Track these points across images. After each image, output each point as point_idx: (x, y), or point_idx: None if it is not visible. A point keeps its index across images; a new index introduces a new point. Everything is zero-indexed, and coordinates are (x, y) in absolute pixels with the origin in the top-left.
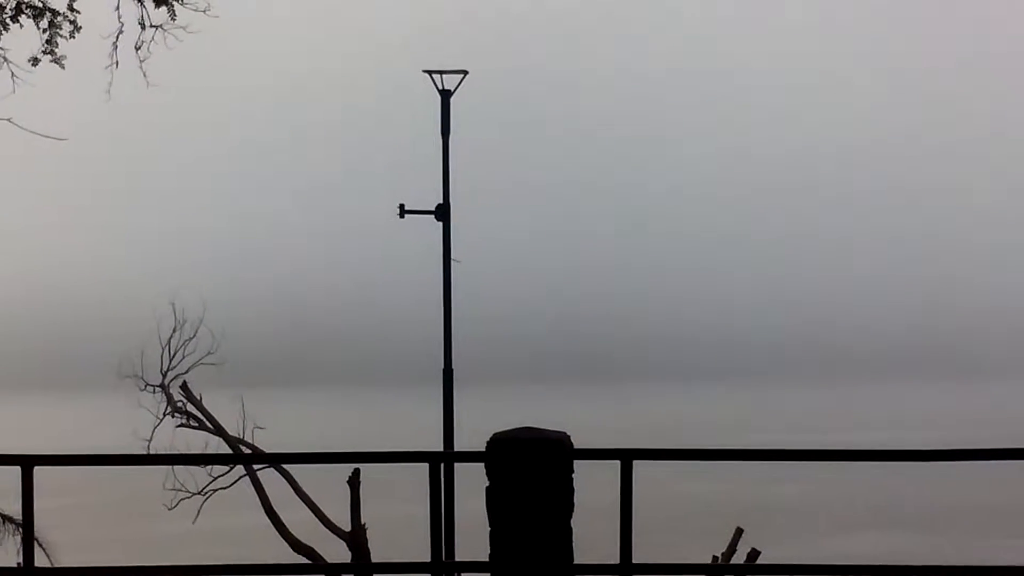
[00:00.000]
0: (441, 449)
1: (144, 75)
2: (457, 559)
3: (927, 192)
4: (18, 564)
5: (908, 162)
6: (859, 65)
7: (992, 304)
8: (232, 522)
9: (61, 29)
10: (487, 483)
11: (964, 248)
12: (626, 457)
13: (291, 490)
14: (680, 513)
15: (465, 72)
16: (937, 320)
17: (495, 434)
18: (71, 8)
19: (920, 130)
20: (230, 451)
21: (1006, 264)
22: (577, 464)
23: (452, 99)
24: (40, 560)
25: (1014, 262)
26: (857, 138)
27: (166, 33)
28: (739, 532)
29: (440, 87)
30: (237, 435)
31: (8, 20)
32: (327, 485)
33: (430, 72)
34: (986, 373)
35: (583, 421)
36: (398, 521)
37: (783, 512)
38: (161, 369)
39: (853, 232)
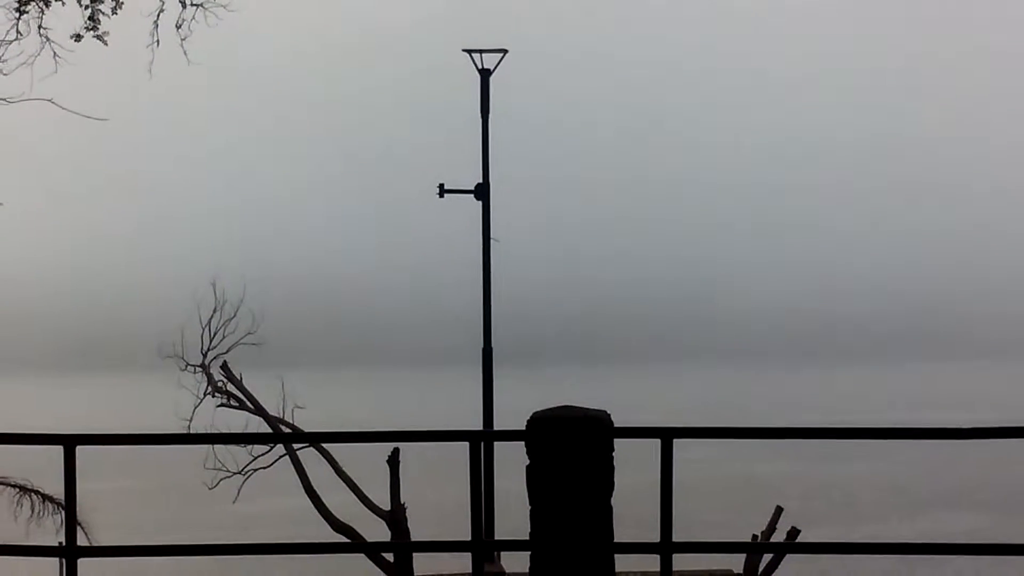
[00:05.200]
0: (481, 428)
1: (185, 53)
2: (497, 538)
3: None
4: (60, 543)
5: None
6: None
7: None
8: (273, 502)
9: (103, 4)
10: (527, 462)
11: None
12: (666, 436)
13: (331, 470)
14: (738, 492)
15: (505, 51)
16: (960, 304)
17: (535, 413)
18: None
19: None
20: (270, 431)
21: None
22: (619, 443)
23: (492, 78)
24: (80, 540)
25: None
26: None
27: (207, 12)
28: (779, 511)
29: (480, 66)
30: (277, 415)
31: None
32: (367, 465)
33: (470, 51)
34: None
35: (623, 400)
36: (438, 500)
37: (848, 492)
38: (201, 349)
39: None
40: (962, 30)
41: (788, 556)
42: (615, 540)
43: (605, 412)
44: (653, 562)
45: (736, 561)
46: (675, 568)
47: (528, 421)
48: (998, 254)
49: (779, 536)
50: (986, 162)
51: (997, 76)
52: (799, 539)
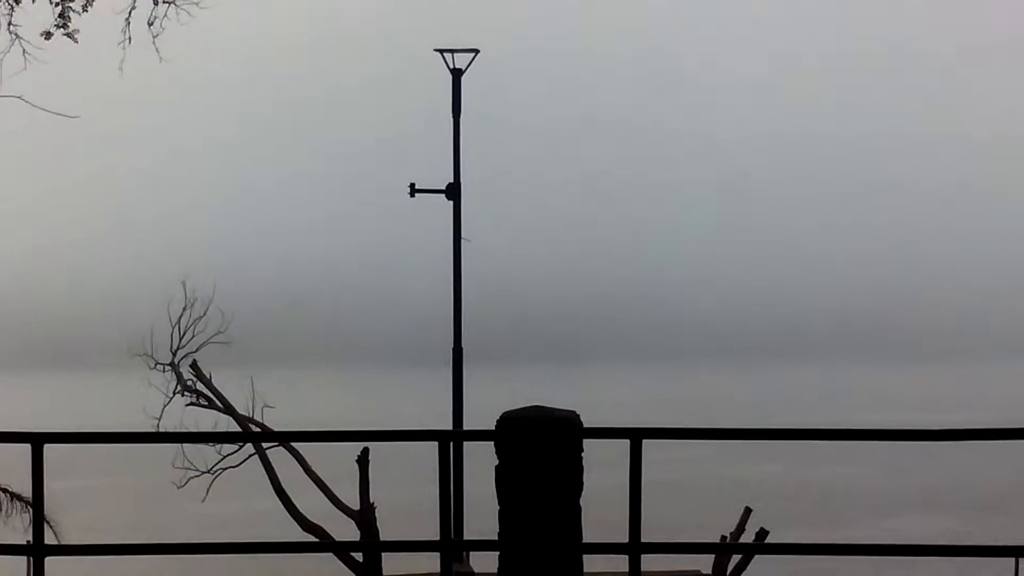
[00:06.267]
0: (450, 428)
1: (156, 51)
2: (466, 538)
3: (927, 182)
4: (27, 542)
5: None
6: (863, 49)
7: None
8: (242, 501)
9: (73, 2)
10: (496, 462)
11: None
12: (635, 436)
13: (300, 469)
14: (713, 493)
15: (476, 51)
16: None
17: (504, 413)
18: None
19: (920, 118)
20: (240, 430)
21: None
22: (592, 444)
23: (464, 77)
24: (48, 539)
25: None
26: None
27: (179, 9)
28: (748, 512)
29: (451, 66)
30: (247, 414)
31: None
32: (336, 464)
33: (441, 51)
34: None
35: (593, 401)
36: (408, 500)
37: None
38: (171, 348)
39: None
40: (936, 24)
41: (761, 557)
42: (584, 540)
43: (574, 412)
44: (622, 562)
45: (706, 562)
46: (644, 568)
47: (497, 421)
48: (967, 251)
49: (748, 537)
50: (953, 158)
51: (967, 69)
52: (768, 540)
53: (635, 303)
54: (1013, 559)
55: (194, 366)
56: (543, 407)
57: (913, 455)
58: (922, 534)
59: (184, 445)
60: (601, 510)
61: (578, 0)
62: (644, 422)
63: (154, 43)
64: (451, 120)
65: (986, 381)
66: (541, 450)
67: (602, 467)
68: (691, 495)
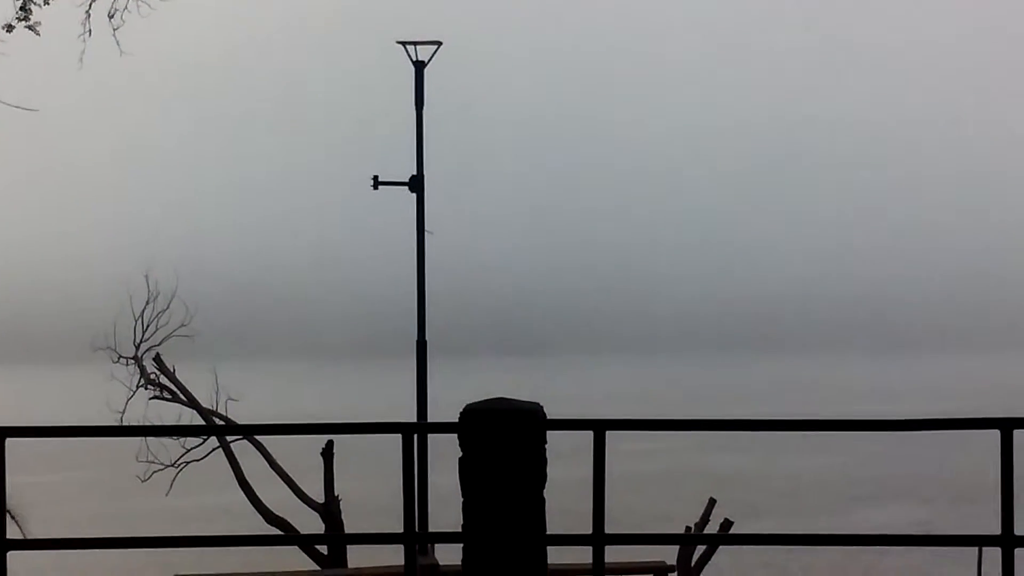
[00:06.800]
0: (414, 421)
1: (117, 43)
2: (430, 530)
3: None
4: None
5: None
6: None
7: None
8: (206, 495)
9: None
10: (460, 454)
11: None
12: (599, 428)
13: (265, 462)
14: (682, 485)
15: (439, 43)
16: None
17: (468, 405)
18: None
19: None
20: (203, 423)
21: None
22: (558, 435)
23: (427, 70)
24: (12, 533)
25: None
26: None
27: (139, 2)
28: (712, 502)
29: (414, 58)
30: (210, 407)
31: None
32: (301, 457)
33: (404, 43)
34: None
35: (557, 392)
36: (374, 493)
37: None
38: (134, 341)
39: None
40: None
41: (730, 549)
42: (548, 532)
43: (538, 404)
44: (586, 554)
45: (671, 553)
46: (608, 560)
47: (461, 414)
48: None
49: (713, 528)
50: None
51: (908, 56)
52: (734, 531)
53: (599, 295)
54: (976, 548)
55: (157, 359)
56: (506, 399)
57: (883, 445)
58: (892, 524)
59: (148, 439)
60: (567, 502)
61: None
62: (608, 413)
63: (114, 35)
64: (414, 113)
65: (951, 372)
66: (504, 442)
67: (568, 459)
68: (659, 487)
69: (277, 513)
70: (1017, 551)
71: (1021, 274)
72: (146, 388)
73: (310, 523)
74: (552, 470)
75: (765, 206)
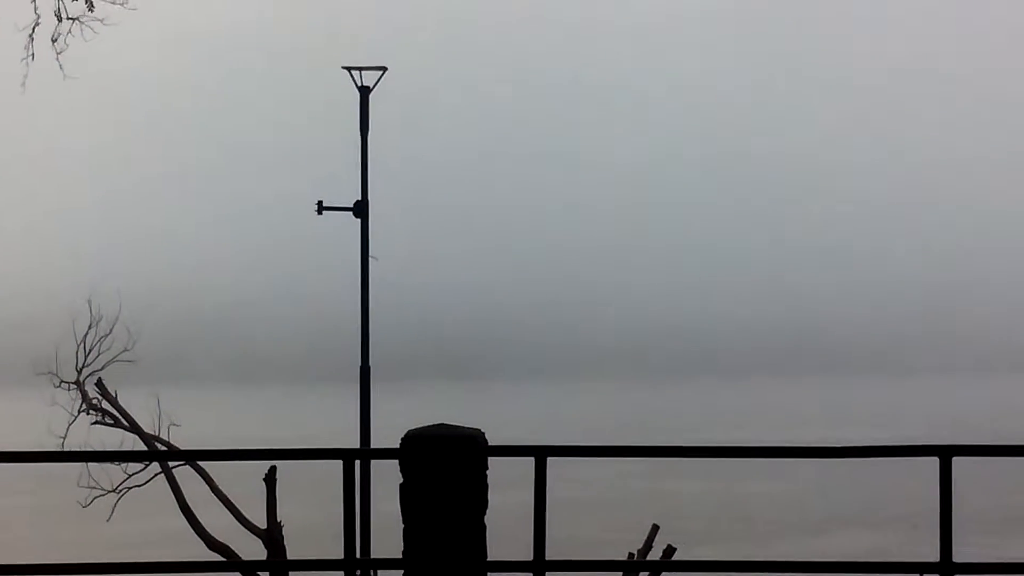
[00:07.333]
0: (357, 446)
1: (60, 67)
2: (373, 556)
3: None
4: None
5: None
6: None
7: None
8: (148, 521)
9: None
10: (401, 480)
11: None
12: (540, 454)
13: (207, 488)
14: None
15: (384, 68)
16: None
17: (409, 431)
18: None
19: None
20: (145, 448)
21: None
22: (499, 462)
23: (372, 95)
24: None
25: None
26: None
27: (83, 25)
28: (655, 528)
29: (359, 83)
30: (153, 432)
31: None
32: (243, 483)
33: (349, 68)
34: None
35: (500, 418)
36: (315, 519)
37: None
38: (76, 366)
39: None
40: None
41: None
42: (489, 559)
43: (479, 430)
44: None
45: None
46: None
47: (402, 439)
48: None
49: (656, 554)
50: (846, 177)
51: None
52: (680, 557)
53: (541, 322)
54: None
55: (99, 384)
56: (448, 425)
57: (839, 472)
58: (847, 551)
59: (89, 464)
60: (510, 528)
61: (498, 17)
62: (549, 440)
63: (58, 59)
64: (359, 138)
65: (910, 396)
66: (446, 468)
67: (513, 486)
68: (606, 513)
69: (219, 539)
70: None
71: (960, 297)
72: (88, 413)
73: (252, 549)
74: (494, 496)
75: (720, 231)
